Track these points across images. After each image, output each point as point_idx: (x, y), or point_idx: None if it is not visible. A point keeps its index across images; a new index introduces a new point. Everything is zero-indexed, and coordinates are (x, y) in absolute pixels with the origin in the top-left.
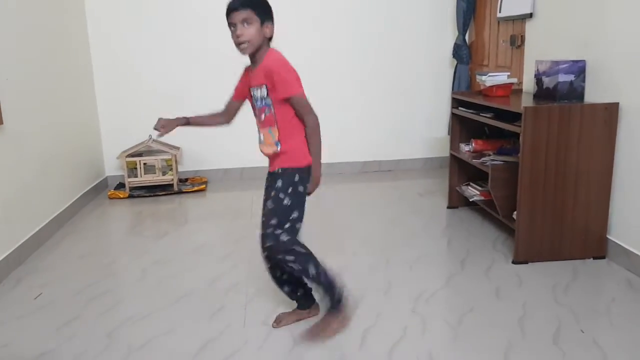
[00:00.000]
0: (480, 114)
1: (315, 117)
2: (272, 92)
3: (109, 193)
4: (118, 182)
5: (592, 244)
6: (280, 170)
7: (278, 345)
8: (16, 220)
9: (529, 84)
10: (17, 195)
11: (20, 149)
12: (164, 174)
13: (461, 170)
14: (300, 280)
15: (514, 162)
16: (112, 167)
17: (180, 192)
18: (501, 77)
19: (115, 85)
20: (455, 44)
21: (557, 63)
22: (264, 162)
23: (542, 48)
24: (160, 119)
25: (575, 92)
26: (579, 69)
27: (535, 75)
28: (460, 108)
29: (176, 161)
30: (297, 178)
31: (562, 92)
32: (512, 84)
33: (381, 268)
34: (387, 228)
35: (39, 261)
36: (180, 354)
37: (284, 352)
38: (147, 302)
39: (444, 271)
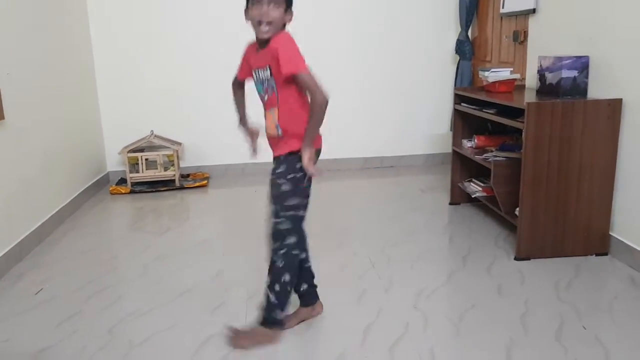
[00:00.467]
0: (483, 110)
1: (323, 95)
2: (276, 72)
3: (110, 188)
4: (120, 178)
5: (595, 240)
6: (282, 157)
7: (279, 341)
8: (17, 215)
9: (531, 80)
10: (19, 191)
11: (21, 144)
12: (165, 169)
13: (463, 167)
14: (304, 274)
15: (517, 158)
16: (114, 163)
17: (181, 188)
18: (504, 73)
19: (117, 80)
20: (457, 39)
21: (560, 59)
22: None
23: (545, 44)
24: (250, 143)
25: (578, 88)
26: (582, 64)
27: (538, 71)
28: (462, 104)
29: (178, 156)
30: (298, 165)
31: (565, 88)
32: (514, 79)
33: (382, 264)
34: (389, 224)
35: (40, 257)
36: (182, 350)
37: (286, 348)
38: (148, 297)
39: (446, 268)
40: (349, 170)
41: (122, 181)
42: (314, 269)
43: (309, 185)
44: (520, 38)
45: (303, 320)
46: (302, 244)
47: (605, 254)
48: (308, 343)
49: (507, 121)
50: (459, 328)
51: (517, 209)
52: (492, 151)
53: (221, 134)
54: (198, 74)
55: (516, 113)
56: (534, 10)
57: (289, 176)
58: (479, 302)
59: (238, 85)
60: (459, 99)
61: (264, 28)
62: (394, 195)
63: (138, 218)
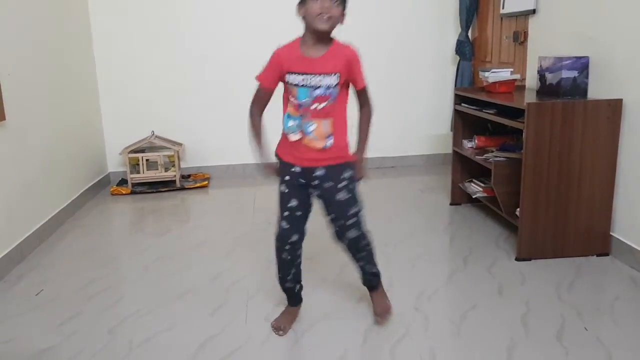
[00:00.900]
0: (483, 110)
1: (372, 105)
2: (343, 81)
3: (111, 189)
4: (120, 179)
5: (596, 241)
6: (339, 165)
7: (280, 342)
8: (18, 216)
9: (532, 80)
10: (20, 191)
11: (22, 145)
12: (166, 170)
13: (464, 167)
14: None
15: (517, 158)
16: (115, 163)
17: (182, 189)
18: (504, 74)
19: (118, 81)
20: (458, 40)
21: (560, 59)
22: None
23: (545, 44)
24: (267, 170)
25: (578, 88)
26: (582, 65)
27: (539, 72)
28: (462, 104)
29: (178, 157)
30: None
31: (566, 88)
32: (515, 80)
33: (383, 265)
34: (390, 224)
35: (41, 257)
36: (182, 351)
37: (286, 349)
38: (149, 298)
39: (447, 268)
40: None
41: (123, 182)
42: (315, 268)
43: None
44: (520, 38)
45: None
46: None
47: (607, 254)
48: (309, 344)
49: (507, 121)
50: (460, 329)
51: (518, 209)
52: (492, 151)
53: (222, 135)
54: (199, 74)
55: (516, 113)
56: (534, 11)
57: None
58: (479, 302)
59: (260, 109)
60: (459, 99)
61: (324, 20)
62: (394, 196)
63: (139, 219)
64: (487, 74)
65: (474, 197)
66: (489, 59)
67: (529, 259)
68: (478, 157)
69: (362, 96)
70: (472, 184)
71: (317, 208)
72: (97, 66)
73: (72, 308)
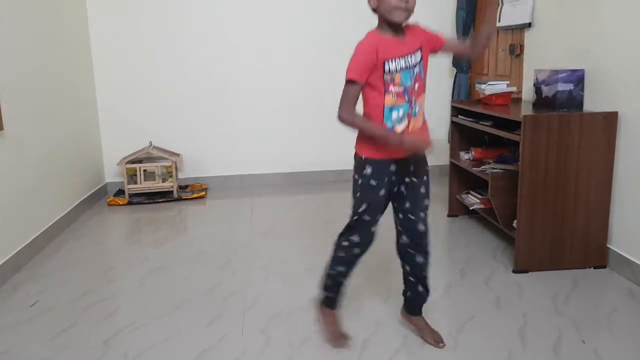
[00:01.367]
0: (480, 123)
1: None
2: (429, 49)
3: (108, 200)
4: (118, 189)
5: (593, 253)
6: (424, 158)
7: (277, 354)
8: (15, 226)
9: (528, 93)
10: (16, 201)
11: (20, 155)
12: (163, 180)
13: (461, 179)
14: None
15: (514, 170)
16: (112, 174)
17: (180, 199)
18: (500, 86)
19: (116, 91)
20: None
21: (556, 72)
22: (264, 168)
23: (541, 57)
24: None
25: (574, 101)
26: (577, 77)
27: (535, 84)
28: (459, 116)
29: (176, 168)
30: None
31: (561, 100)
32: (511, 92)
33: (381, 276)
34: (387, 236)
35: (37, 268)
36: None
37: None
38: (145, 310)
39: (444, 280)
40: (348, 181)
41: (120, 192)
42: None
43: None
44: (516, 51)
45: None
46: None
47: (604, 266)
48: (305, 358)
49: (504, 134)
50: (457, 341)
51: (515, 221)
52: (489, 163)
53: (220, 145)
54: (197, 85)
55: (513, 126)
56: (529, 24)
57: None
58: (477, 315)
59: (355, 109)
60: (456, 111)
61: (402, 10)
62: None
63: (135, 229)
64: (483, 86)
65: (471, 208)
66: (485, 71)
67: (526, 271)
68: (475, 169)
69: (451, 44)
70: (470, 195)
71: (316, 214)
72: (96, 76)
73: (68, 319)
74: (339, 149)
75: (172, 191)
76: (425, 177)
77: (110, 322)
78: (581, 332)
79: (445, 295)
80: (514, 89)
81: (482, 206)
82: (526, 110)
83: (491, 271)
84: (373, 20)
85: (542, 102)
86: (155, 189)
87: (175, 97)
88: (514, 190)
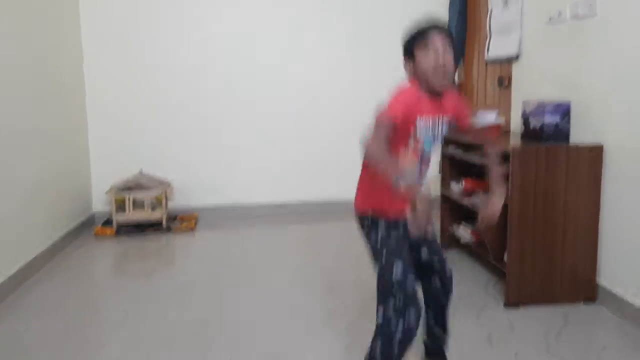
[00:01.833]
0: (470, 153)
1: None
2: (455, 122)
3: (95, 230)
4: (106, 219)
5: (582, 287)
6: None
7: None
8: None
9: (516, 124)
10: (1, 230)
11: (5, 182)
12: (153, 209)
13: (452, 209)
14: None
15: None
16: (100, 202)
17: (169, 230)
18: (489, 117)
19: (108, 117)
20: None
21: (543, 104)
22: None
23: (529, 89)
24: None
25: (561, 133)
26: (564, 110)
27: (522, 116)
28: (449, 147)
29: (166, 197)
30: None
31: (549, 132)
32: (500, 124)
33: (371, 311)
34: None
35: (21, 299)
36: None
37: None
38: (130, 346)
39: None
40: (338, 213)
41: (108, 222)
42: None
43: None
44: (504, 83)
45: None
46: None
47: (593, 301)
48: None
49: None
50: None
51: (505, 254)
52: (480, 194)
53: (212, 174)
54: (190, 112)
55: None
56: (517, 57)
57: None
58: (468, 352)
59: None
60: (446, 142)
61: (443, 74)
62: None
63: (123, 261)
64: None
65: (462, 242)
66: (475, 102)
67: (518, 306)
68: (466, 200)
69: (470, 129)
70: (461, 227)
71: (306, 249)
72: (87, 102)
73: (52, 355)
74: (331, 182)
75: (161, 222)
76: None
77: (96, 357)
78: None
79: None
80: (502, 120)
81: (473, 238)
82: (514, 141)
83: (483, 305)
84: (379, 48)
85: (529, 134)
86: (143, 220)
87: (168, 124)
88: (504, 222)
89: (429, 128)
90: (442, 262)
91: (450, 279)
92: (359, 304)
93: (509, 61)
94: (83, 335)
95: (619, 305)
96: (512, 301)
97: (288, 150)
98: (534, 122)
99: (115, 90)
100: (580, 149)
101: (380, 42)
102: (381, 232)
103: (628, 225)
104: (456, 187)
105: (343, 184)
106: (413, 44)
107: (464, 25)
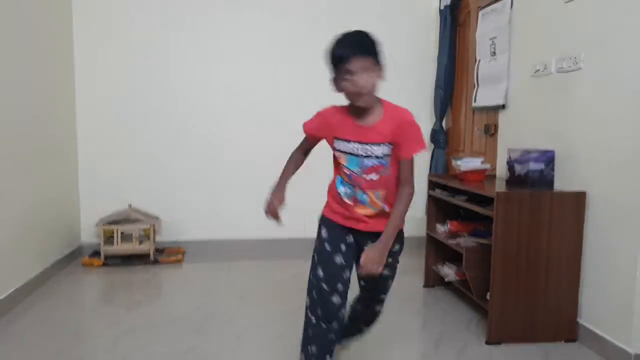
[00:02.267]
0: (455, 197)
1: (413, 186)
2: (396, 150)
3: (83, 260)
4: (93, 250)
5: (564, 327)
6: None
7: None
8: None
9: (502, 170)
10: None
11: None
12: (140, 242)
13: (438, 250)
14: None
15: (488, 244)
16: (89, 234)
17: (156, 262)
18: (475, 163)
19: (98, 151)
20: (432, 129)
21: (527, 152)
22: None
23: (514, 137)
24: (271, 203)
25: (545, 180)
26: (548, 158)
27: (508, 162)
28: (436, 190)
29: (154, 231)
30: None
31: (533, 179)
32: (485, 169)
33: (355, 345)
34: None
35: (8, 326)
36: None
37: None
38: None
39: (418, 351)
40: None
41: (96, 253)
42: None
43: None
44: (491, 131)
45: None
46: None
47: (574, 340)
48: None
49: (478, 209)
50: None
51: (488, 293)
52: (464, 236)
53: (199, 209)
54: (179, 147)
55: (487, 201)
56: (503, 106)
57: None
58: None
59: (303, 149)
60: (433, 185)
61: (364, 98)
62: None
63: (110, 292)
64: (459, 162)
65: (446, 280)
66: (462, 148)
67: (499, 343)
68: (451, 242)
69: (405, 170)
70: (445, 266)
71: (288, 284)
72: (78, 135)
73: None
74: (313, 219)
75: (149, 254)
76: (390, 260)
77: None
78: None
79: None
80: (488, 166)
81: (457, 278)
82: (500, 187)
83: (465, 343)
84: None
85: (514, 180)
86: (131, 252)
87: (156, 160)
88: (488, 263)
89: (349, 149)
90: (371, 301)
91: (374, 315)
92: None
93: (495, 110)
94: None
95: (600, 344)
96: (494, 339)
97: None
98: (519, 169)
99: (105, 128)
100: (564, 195)
101: None
102: (320, 237)
103: (609, 269)
104: (442, 229)
105: None
106: (332, 66)
107: (452, 72)
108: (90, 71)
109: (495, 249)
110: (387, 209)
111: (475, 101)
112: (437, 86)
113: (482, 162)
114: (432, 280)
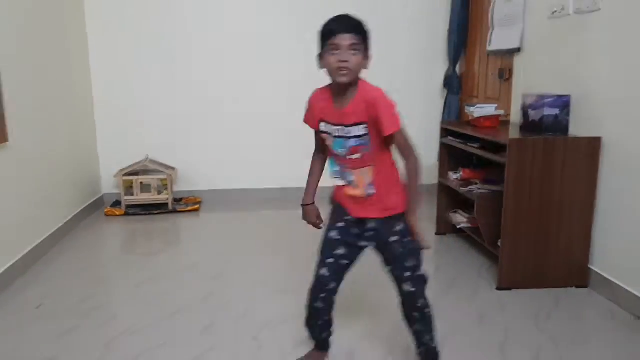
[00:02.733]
0: (468, 144)
1: (417, 155)
2: (372, 128)
3: (105, 210)
4: (115, 200)
5: (575, 273)
6: (389, 218)
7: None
8: (18, 233)
9: (516, 116)
10: (19, 209)
11: (23, 166)
12: (159, 193)
13: (449, 198)
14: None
15: (500, 191)
16: (109, 185)
17: (174, 212)
18: (489, 109)
19: (114, 104)
20: (446, 74)
21: (542, 97)
22: (258, 183)
23: (529, 82)
24: (309, 221)
25: (560, 126)
26: (563, 103)
27: (522, 108)
28: (449, 137)
29: (171, 181)
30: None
31: (547, 125)
32: (499, 115)
33: (369, 291)
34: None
35: (39, 273)
36: None
37: None
38: (141, 316)
39: (430, 295)
40: None
41: (117, 203)
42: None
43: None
44: (505, 75)
45: None
46: None
47: (585, 286)
48: None
49: (490, 156)
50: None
51: (500, 240)
52: (476, 183)
53: (214, 160)
54: (194, 100)
55: (500, 148)
56: (518, 49)
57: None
58: (459, 329)
59: (318, 148)
60: (445, 132)
61: (344, 72)
62: None
63: (131, 240)
64: (472, 109)
65: (458, 227)
66: (476, 93)
67: (510, 289)
68: (463, 189)
69: (397, 144)
70: (457, 214)
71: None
72: (94, 90)
73: (69, 322)
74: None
75: (167, 204)
76: (396, 237)
77: (110, 326)
78: (559, 349)
79: None
80: (501, 112)
81: (469, 225)
82: (513, 133)
83: (475, 288)
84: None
85: (529, 126)
86: (151, 201)
87: (172, 111)
88: (500, 211)
89: (333, 131)
90: (399, 279)
91: (409, 297)
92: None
93: (510, 53)
94: (97, 305)
95: (611, 289)
96: (505, 284)
97: (288, 139)
98: (534, 115)
99: (121, 81)
100: (578, 141)
101: (386, 30)
102: (329, 214)
103: (623, 215)
104: (454, 176)
105: None
106: (321, 42)
107: (466, 17)
108: (105, 26)
109: (507, 196)
110: (373, 189)
111: (490, 45)
112: (451, 30)
113: (496, 108)
114: (444, 227)
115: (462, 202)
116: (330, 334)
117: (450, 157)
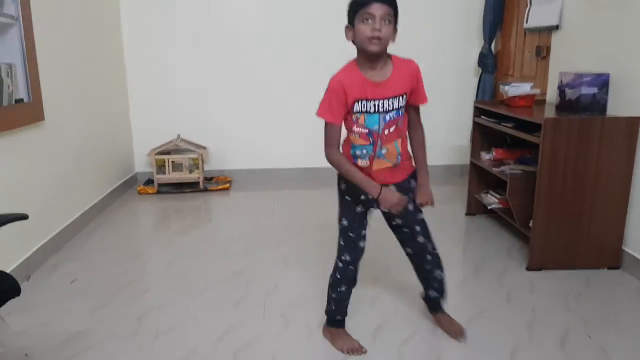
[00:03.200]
0: (502, 124)
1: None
2: (409, 99)
3: (138, 188)
4: (147, 178)
5: (607, 254)
6: (408, 179)
7: (295, 335)
8: (53, 210)
9: (552, 95)
10: (54, 187)
11: (58, 144)
12: (190, 172)
13: (481, 178)
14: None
15: (533, 171)
16: (142, 164)
17: (205, 190)
18: (524, 88)
19: (147, 84)
20: (480, 52)
21: (580, 75)
22: (287, 163)
23: (567, 60)
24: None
25: (597, 105)
26: (602, 82)
27: (559, 87)
28: (482, 117)
29: (202, 160)
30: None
31: (585, 104)
32: (534, 94)
33: (398, 269)
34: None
35: (73, 249)
36: (204, 339)
37: (301, 341)
38: (173, 290)
39: (459, 275)
40: None
41: (150, 182)
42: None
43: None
44: (542, 53)
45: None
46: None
47: (617, 267)
48: (322, 338)
49: (524, 135)
50: (466, 332)
51: (532, 221)
52: (509, 164)
53: (245, 140)
54: (225, 79)
55: (534, 127)
56: (557, 27)
57: None
58: (487, 308)
59: (338, 147)
60: (478, 111)
61: (375, 42)
62: None
63: (164, 217)
64: (506, 87)
65: (489, 208)
66: (511, 72)
67: (540, 270)
68: (495, 169)
69: (417, 114)
70: (489, 195)
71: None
72: (128, 70)
73: (103, 297)
74: None
75: (199, 182)
76: (411, 194)
77: (142, 300)
78: (588, 329)
79: (458, 290)
80: (537, 91)
81: (500, 206)
82: (549, 112)
83: (505, 268)
84: (401, 21)
85: (565, 105)
86: (182, 180)
87: (204, 91)
88: (532, 191)
89: (371, 108)
90: (411, 232)
91: (422, 248)
92: (388, 255)
93: (548, 30)
94: (131, 280)
95: None
96: (535, 265)
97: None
98: (571, 94)
99: (153, 62)
100: (615, 120)
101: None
102: (340, 190)
103: None
104: (486, 156)
105: None
106: (353, 12)
107: None
108: (138, 6)
109: (541, 176)
110: (400, 159)
111: (527, 22)
112: (487, 6)
113: (532, 87)
114: (475, 208)
115: (493, 183)
116: None
117: (483, 137)
